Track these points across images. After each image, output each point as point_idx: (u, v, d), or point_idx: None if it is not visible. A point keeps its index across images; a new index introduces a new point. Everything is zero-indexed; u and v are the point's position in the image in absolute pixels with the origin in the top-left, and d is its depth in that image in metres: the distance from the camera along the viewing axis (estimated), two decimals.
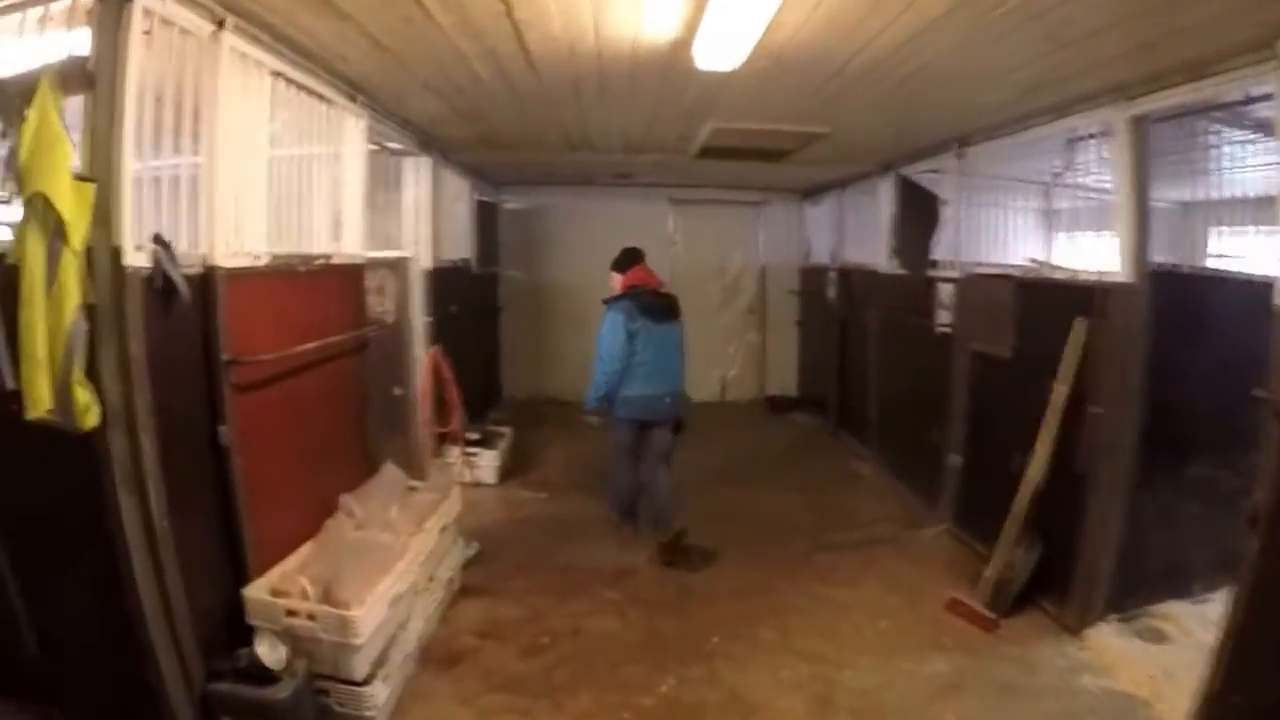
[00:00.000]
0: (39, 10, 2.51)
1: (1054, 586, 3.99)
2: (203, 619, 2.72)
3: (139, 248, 2.42)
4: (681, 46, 3.21)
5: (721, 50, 3.10)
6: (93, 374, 2.26)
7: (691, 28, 2.98)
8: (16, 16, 2.51)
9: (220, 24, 2.75)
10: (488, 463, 6.10)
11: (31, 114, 2.18)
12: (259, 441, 3.04)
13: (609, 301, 4.90)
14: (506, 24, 2.99)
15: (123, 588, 2.47)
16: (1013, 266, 4.93)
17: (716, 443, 7.29)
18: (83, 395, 2.24)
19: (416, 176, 5.73)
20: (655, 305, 4.87)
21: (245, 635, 2.83)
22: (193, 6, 2.63)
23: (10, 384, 2.29)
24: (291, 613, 2.88)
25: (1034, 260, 4.95)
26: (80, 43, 2.36)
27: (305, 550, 3.33)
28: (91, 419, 2.27)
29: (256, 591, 2.94)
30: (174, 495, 2.55)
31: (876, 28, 2.95)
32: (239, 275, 2.91)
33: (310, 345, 3.41)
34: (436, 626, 3.82)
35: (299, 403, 3.43)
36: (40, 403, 2.22)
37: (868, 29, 2.97)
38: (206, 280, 2.75)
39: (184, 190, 2.73)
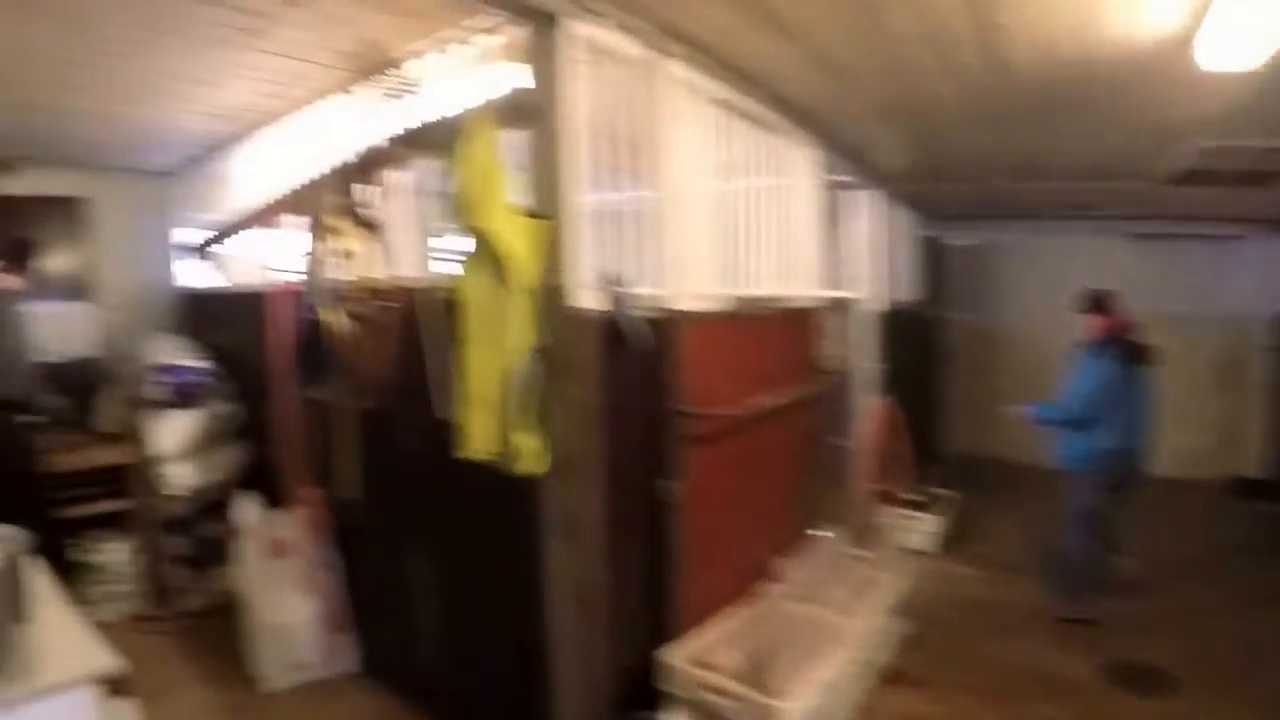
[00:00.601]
0: (475, 49, 2.58)
1: None
2: (614, 672, 2.58)
3: (592, 288, 2.31)
4: (1179, 44, 2.51)
5: (1237, 46, 2.44)
6: (539, 418, 2.18)
7: (1197, 18, 2.32)
8: (456, 53, 2.62)
9: (659, 50, 2.61)
10: (928, 530, 5.44)
11: (472, 150, 2.17)
12: (700, 498, 2.82)
13: (1087, 345, 4.26)
14: (980, 32, 2.55)
15: (541, 630, 2.42)
16: None
17: (1168, 528, 5.81)
18: (525, 439, 2.18)
19: (863, 210, 5.33)
20: (1137, 351, 4.24)
21: (652, 697, 2.65)
22: (631, 34, 2.51)
23: (440, 413, 2.31)
24: (710, 688, 2.61)
25: None
26: (519, 77, 2.35)
27: (732, 617, 3.06)
28: (532, 464, 2.19)
29: (676, 657, 2.72)
30: (608, 547, 2.43)
31: None
32: (694, 320, 2.73)
33: (764, 399, 3.15)
34: (855, 715, 3.32)
35: (745, 458, 3.19)
36: (479, 442, 2.20)
37: None
38: (660, 325, 2.59)
39: (632, 227, 2.62)
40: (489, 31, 2.50)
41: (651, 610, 2.77)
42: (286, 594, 3.39)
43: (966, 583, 4.94)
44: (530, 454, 2.18)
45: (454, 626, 2.88)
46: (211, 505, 4.30)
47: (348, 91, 2.65)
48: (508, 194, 2.15)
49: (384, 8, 2.44)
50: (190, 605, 4.27)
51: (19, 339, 3.89)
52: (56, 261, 5.00)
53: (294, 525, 3.46)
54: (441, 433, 2.37)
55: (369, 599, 3.38)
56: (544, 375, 2.18)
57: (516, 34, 2.38)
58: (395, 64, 2.47)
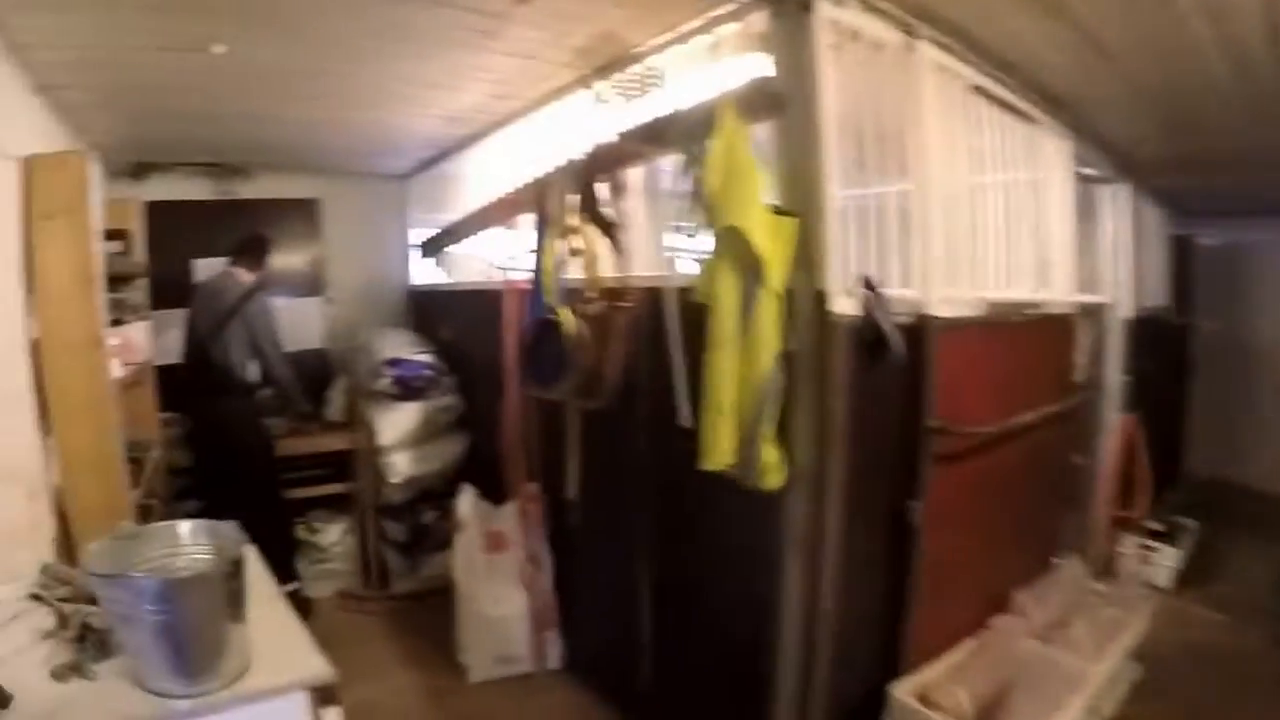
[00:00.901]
0: (712, 37, 2.44)
1: None
2: (835, 702, 2.37)
3: (845, 292, 2.12)
4: None
5: None
6: (782, 429, 2.02)
7: None
8: (688, 45, 2.49)
9: (911, 33, 2.38)
10: (1165, 563, 4.80)
11: (717, 144, 2.03)
12: (945, 521, 2.57)
13: None
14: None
15: (763, 651, 2.27)
16: None
17: None
18: (769, 452, 2.02)
19: (1113, 208, 4.78)
20: None
21: None
22: (881, 16, 2.29)
23: (686, 422, 2.18)
24: None
25: None
26: (760, 65, 2.19)
27: (964, 651, 2.78)
28: (775, 479, 2.04)
29: (904, 692, 2.49)
30: (843, 569, 2.24)
31: None
32: (952, 327, 2.47)
33: (1017, 414, 2.86)
34: None
35: (989, 478, 2.90)
36: (720, 455, 2.06)
37: None
38: (915, 332, 2.34)
39: (883, 225, 2.40)
40: (728, 18, 2.36)
41: (881, 639, 2.55)
42: (499, 587, 3.43)
43: (1202, 626, 4.32)
44: (770, 467, 2.02)
45: (668, 637, 2.80)
46: (429, 494, 4.45)
47: (583, 87, 2.58)
48: (758, 190, 1.99)
49: (618, 0, 2.36)
50: (401, 589, 4.44)
51: (270, 329, 4.12)
52: (291, 258, 5.34)
53: (511, 520, 3.48)
54: (673, 439, 2.26)
55: (580, 599, 3.37)
56: (788, 383, 2.01)
57: (758, 20, 2.24)
58: (631, 57, 2.38)
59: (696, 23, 2.43)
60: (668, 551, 2.75)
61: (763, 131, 2.15)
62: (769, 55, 2.16)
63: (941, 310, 2.41)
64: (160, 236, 4.38)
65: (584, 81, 2.52)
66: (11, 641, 1.65)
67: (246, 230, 4.61)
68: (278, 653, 1.58)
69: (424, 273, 5.38)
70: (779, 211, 2.00)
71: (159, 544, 1.64)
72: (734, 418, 2.04)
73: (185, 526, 1.69)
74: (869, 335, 2.10)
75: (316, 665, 1.55)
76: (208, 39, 2.63)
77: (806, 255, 2.03)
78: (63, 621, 1.69)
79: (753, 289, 1.99)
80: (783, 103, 2.09)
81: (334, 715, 1.71)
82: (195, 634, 1.39)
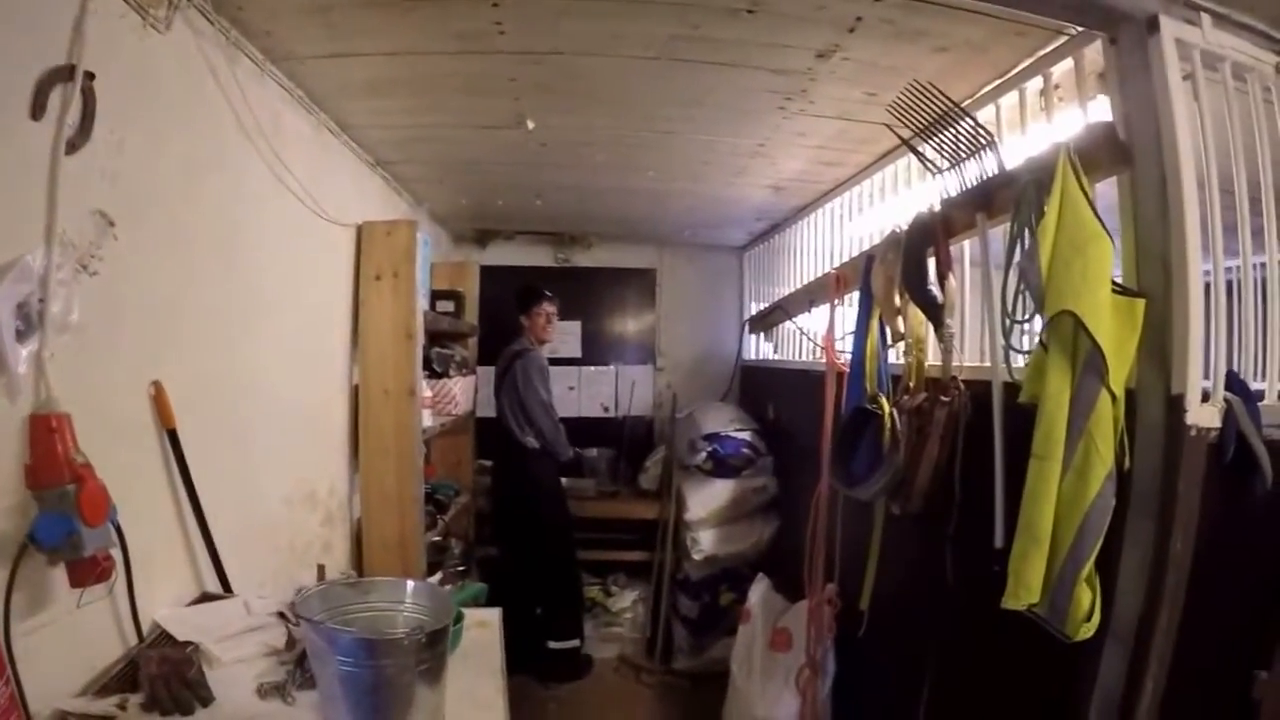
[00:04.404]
0: (1042, 80, 2.09)
1: None
2: None
3: (1203, 396, 1.61)
4: None
5: None
6: (1102, 567, 1.58)
7: None
8: (1016, 92, 2.20)
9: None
10: None
11: (1050, 208, 1.65)
12: None
13: None
14: None
15: None
16: None
17: None
18: (1085, 594, 1.58)
19: None
20: None
21: None
22: (1245, 33, 1.77)
23: (999, 543, 1.80)
24: None
25: None
26: (1100, 110, 1.80)
27: None
28: (1087, 628, 1.58)
29: None
30: None
31: None
32: None
33: None
34: None
35: None
36: (1027, 591, 1.64)
37: None
38: None
39: (1256, 307, 1.82)
40: (1060, 54, 2.02)
41: None
42: (774, 687, 3.19)
43: None
44: (1084, 613, 1.58)
45: None
46: (729, 574, 4.32)
47: (906, 150, 2.33)
48: (1100, 265, 1.60)
49: (934, 45, 2.14)
50: (681, 665, 4.32)
51: (529, 384, 4.28)
52: (626, 326, 5.62)
53: (800, 619, 3.21)
54: (981, 562, 1.86)
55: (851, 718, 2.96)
56: (1118, 509, 1.57)
57: (1094, 54, 1.87)
58: (954, 113, 2.09)
59: (1025, 63, 2.13)
60: (952, 691, 2.32)
61: (1107, 190, 1.76)
62: (1108, 96, 1.78)
63: None
64: (497, 298, 4.81)
65: (906, 143, 2.28)
66: (242, 650, 1.77)
67: (581, 296, 4.92)
68: None
69: (755, 347, 5.35)
70: (1123, 291, 1.60)
71: (383, 596, 1.69)
72: (1046, 546, 1.64)
73: (410, 585, 1.72)
74: (1232, 455, 1.59)
75: None
76: (518, 115, 2.84)
77: (1157, 348, 1.59)
78: (290, 644, 1.79)
79: (1089, 388, 1.59)
80: (1127, 154, 1.68)
81: None
82: (378, 691, 1.40)
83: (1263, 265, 1.82)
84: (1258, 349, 1.85)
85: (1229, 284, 1.74)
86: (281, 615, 1.92)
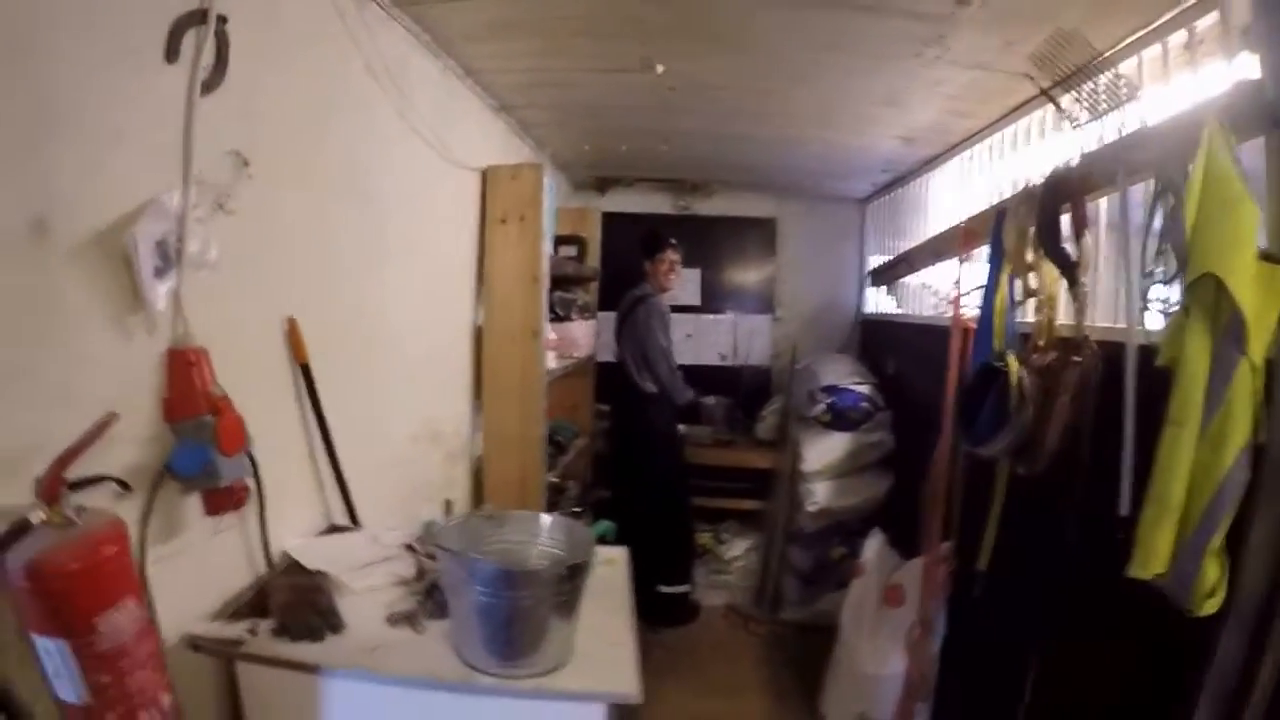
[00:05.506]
0: (1188, 34, 1.94)
1: None
2: None
3: None
4: None
5: None
6: (1231, 541, 1.52)
7: None
8: (1161, 44, 2.04)
9: None
10: None
11: (1196, 168, 1.55)
12: None
13: None
14: None
15: None
16: None
17: None
18: (1212, 568, 1.53)
19: None
20: None
21: None
22: None
23: (1125, 511, 1.75)
24: None
25: None
26: (1247, 66, 1.65)
27: None
28: (1211, 603, 1.54)
29: None
30: None
31: None
32: None
33: None
34: None
35: None
36: (1155, 560, 1.59)
37: None
38: None
39: None
40: (1204, 7, 1.89)
41: None
42: (883, 643, 3.18)
43: None
44: (1210, 587, 1.53)
45: None
46: (842, 528, 4.31)
47: (1044, 102, 2.23)
48: (1246, 229, 1.51)
49: None
50: (790, 616, 4.36)
51: (649, 331, 4.32)
52: (746, 275, 5.58)
53: (914, 576, 3.19)
54: (1105, 530, 1.82)
55: (960, 681, 2.96)
56: (1252, 483, 1.51)
57: (1240, 6, 1.73)
58: (1095, 64, 1.98)
59: (1169, 14, 1.99)
60: (1061, 658, 2.28)
61: (1253, 152, 1.65)
62: (1255, 53, 1.63)
63: None
64: (617, 245, 4.86)
65: (1045, 95, 2.17)
66: (372, 579, 1.83)
67: (700, 244, 4.89)
68: (598, 662, 1.58)
69: (877, 300, 5.24)
70: (1269, 258, 1.51)
71: (518, 530, 1.76)
72: (1177, 517, 1.59)
73: (547, 520, 1.79)
74: None
75: (628, 684, 1.51)
76: (646, 60, 2.81)
77: None
78: (419, 574, 1.85)
79: (1228, 356, 1.52)
80: (1276, 115, 1.57)
81: None
82: (514, 622, 1.45)
83: None
84: None
85: None
86: (410, 547, 1.98)
